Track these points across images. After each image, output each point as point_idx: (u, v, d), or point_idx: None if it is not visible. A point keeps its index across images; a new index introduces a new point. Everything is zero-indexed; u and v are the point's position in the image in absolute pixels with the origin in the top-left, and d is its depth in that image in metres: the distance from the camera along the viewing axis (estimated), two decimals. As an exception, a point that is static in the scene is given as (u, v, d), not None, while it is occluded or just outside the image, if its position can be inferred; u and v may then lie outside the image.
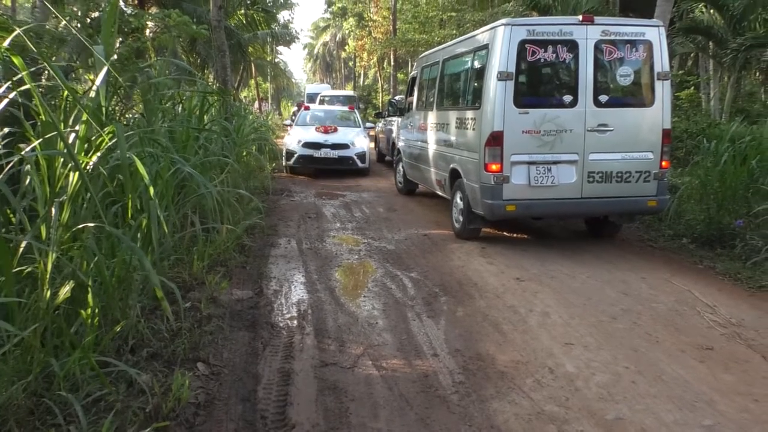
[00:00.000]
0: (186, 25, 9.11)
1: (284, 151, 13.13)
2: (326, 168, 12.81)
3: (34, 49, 3.04)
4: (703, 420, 3.05)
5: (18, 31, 2.80)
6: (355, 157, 12.79)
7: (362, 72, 51.73)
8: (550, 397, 3.27)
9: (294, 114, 21.80)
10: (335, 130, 13.04)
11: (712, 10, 14.19)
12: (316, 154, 12.59)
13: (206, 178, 5.37)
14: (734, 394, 3.33)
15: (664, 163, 6.43)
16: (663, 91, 6.41)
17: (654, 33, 6.38)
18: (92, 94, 3.59)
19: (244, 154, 9.95)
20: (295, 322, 4.42)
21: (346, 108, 16.25)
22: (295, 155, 12.67)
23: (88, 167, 3.29)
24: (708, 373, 3.60)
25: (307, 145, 12.65)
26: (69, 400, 2.64)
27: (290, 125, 15.08)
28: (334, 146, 12.66)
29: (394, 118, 12.98)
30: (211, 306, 4.36)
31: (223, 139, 7.63)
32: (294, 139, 13.00)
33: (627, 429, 2.96)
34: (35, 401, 2.69)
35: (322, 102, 23.48)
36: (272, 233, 7.28)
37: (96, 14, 10.91)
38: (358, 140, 13.05)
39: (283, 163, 12.97)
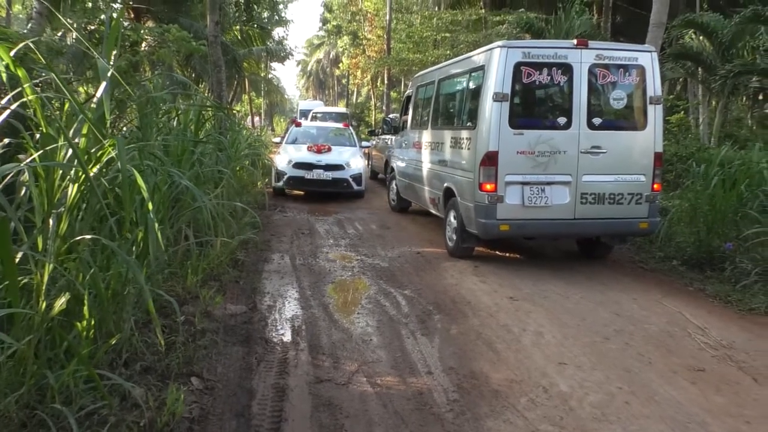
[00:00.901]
0: (185, 41, 9.16)
1: (273, 172, 12.26)
2: (319, 191, 12.00)
3: (42, 60, 3.05)
4: (696, 441, 3.08)
5: (26, 42, 2.82)
6: (350, 179, 11.86)
7: (355, 89, 52.05)
8: (545, 417, 3.28)
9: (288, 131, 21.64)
10: (329, 149, 12.23)
11: (701, 37, 14.45)
12: (308, 175, 11.60)
13: (201, 192, 5.36)
14: (726, 415, 3.36)
15: (655, 186, 6.52)
16: (655, 115, 6.52)
17: (647, 58, 6.51)
18: (92, 105, 3.60)
19: (238, 168, 9.92)
20: (289, 337, 4.41)
21: (339, 125, 15.62)
22: (285, 176, 11.70)
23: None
24: (700, 394, 3.62)
25: (298, 165, 11.68)
26: (62, 413, 2.61)
27: (281, 143, 14.06)
28: (328, 167, 11.68)
29: (388, 136, 12.88)
30: (205, 320, 4.35)
31: (218, 153, 7.65)
32: (284, 158, 12.00)
33: (621, 449, 2.98)
34: (28, 413, 2.66)
35: (314, 119, 23.54)
36: (265, 248, 7.27)
37: (92, 27, 10.98)
38: (354, 161, 12.23)
39: (272, 184, 12.20)
